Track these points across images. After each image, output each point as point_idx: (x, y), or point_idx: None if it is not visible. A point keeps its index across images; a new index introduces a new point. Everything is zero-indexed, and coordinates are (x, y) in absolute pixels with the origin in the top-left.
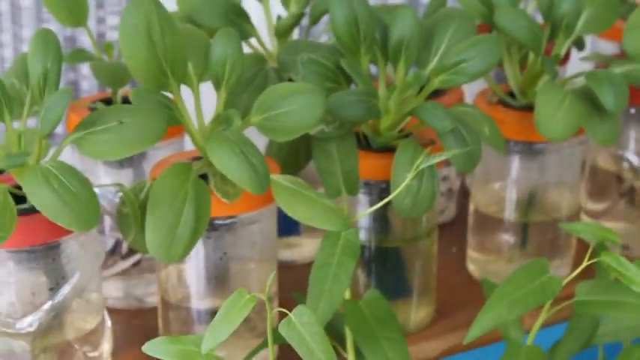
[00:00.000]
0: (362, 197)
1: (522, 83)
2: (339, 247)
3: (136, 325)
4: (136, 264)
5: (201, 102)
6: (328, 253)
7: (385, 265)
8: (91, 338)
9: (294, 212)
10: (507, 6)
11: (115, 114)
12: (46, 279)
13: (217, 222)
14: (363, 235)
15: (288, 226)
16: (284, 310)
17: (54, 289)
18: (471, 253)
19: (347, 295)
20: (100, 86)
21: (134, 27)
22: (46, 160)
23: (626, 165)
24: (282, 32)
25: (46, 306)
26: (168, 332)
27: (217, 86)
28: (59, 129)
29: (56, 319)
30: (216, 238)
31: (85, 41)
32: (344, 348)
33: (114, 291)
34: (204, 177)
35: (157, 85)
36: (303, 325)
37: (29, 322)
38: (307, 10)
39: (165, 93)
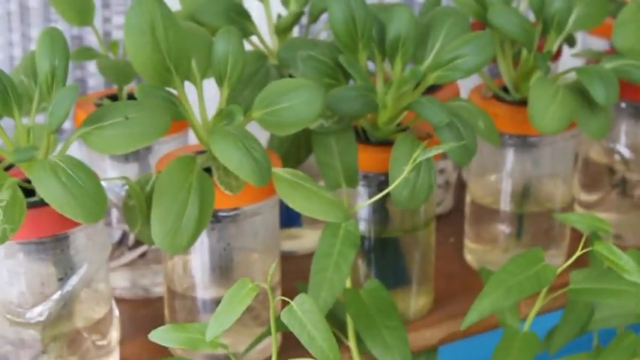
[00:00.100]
0: (361, 189)
1: (516, 79)
2: (339, 238)
3: (142, 314)
4: (143, 255)
5: (205, 98)
6: (329, 244)
7: (384, 255)
8: (100, 327)
9: (296, 204)
10: (500, 4)
11: (120, 109)
12: (55, 270)
13: (221, 214)
14: (362, 226)
15: (290, 218)
16: (286, 298)
17: (63, 280)
18: (468, 244)
19: (348, 284)
20: (106, 83)
21: (139, 26)
22: (54, 155)
23: (617, 157)
24: (282, 30)
25: (56, 296)
26: (175, 321)
27: (220, 82)
28: (67, 124)
29: (65, 308)
30: (220, 230)
31: (92, 40)
32: (345, 336)
33: (121, 281)
34: (208, 170)
35: (162, 81)
36: (304, 313)
37: (39, 312)
38: (307, 8)
39: (169, 89)
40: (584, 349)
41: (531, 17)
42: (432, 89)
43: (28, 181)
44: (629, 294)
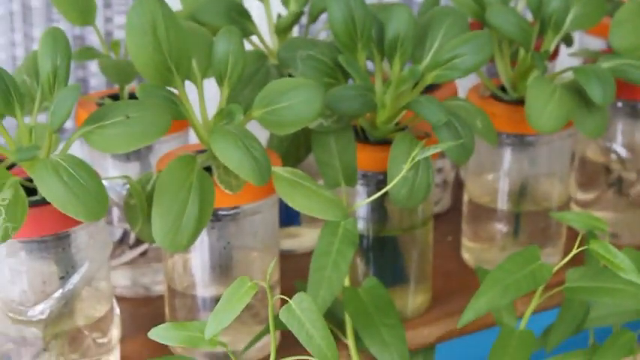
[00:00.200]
0: (360, 188)
1: (513, 78)
2: (338, 237)
3: (143, 312)
4: (144, 253)
5: (205, 97)
6: (328, 242)
7: (383, 253)
8: (101, 325)
9: (295, 203)
10: (498, 4)
11: (122, 109)
12: (56, 268)
13: (221, 212)
14: (361, 225)
15: (289, 217)
16: (285, 297)
17: (64, 278)
18: (466, 242)
19: (346, 282)
20: (107, 83)
21: (140, 25)
22: (56, 154)
23: (614, 156)
24: (282, 30)
25: (57, 294)
26: (175, 319)
27: (220, 82)
28: (68, 124)
29: (66, 306)
30: (220, 228)
31: (94, 40)
32: (344, 334)
33: (122, 280)
34: (208, 169)
35: (163, 81)
36: (302, 312)
37: (41, 310)
38: (306, 8)
39: (170, 89)
40: (580, 347)
41: (529, 17)
42: (430, 88)
43: (30, 180)
44: (625, 292)
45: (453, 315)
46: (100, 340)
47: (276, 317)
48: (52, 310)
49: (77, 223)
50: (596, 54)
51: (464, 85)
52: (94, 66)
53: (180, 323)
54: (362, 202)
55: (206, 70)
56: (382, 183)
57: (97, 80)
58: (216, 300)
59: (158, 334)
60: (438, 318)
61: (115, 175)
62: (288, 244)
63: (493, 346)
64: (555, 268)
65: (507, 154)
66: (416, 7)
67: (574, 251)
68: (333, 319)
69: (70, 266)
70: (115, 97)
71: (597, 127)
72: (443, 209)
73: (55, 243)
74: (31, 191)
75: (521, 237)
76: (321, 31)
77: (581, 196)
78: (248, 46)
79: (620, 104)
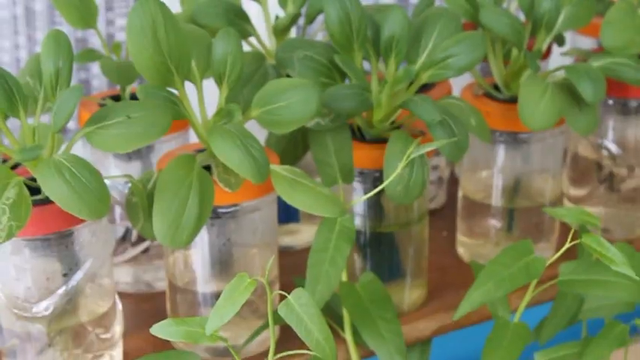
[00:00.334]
0: (357, 185)
1: (506, 77)
2: (335, 233)
3: (145, 308)
4: (145, 251)
5: (204, 97)
6: (325, 239)
7: (379, 249)
8: (104, 321)
9: (293, 200)
10: (491, 4)
11: (123, 109)
12: (60, 265)
13: (220, 210)
14: (358, 221)
15: (288, 214)
16: (284, 292)
17: (68, 275)
18: (461, 238)
19: (343, 277)
20: (109, 84)
21: (140, 27)
22: (59, 154)
23: (605, 153)
24: (279, 31)
25: (61, 291)
26: (176, 315)
27: (219, 82)
28: (71, 124)
29: (70, 303)
30: (220, 226)
31: (96, 42)
32: (341, 328)
33: (124, 276)
34: (207, 168)
35: (163, 81)
36: (301, 307)
37: (45, 306)
38: (304, 10)
39: (170, 89)
40: (572, 339)
41: (521, 17)
42: (425, 88)
43: (34, 180)
44: (617, 285)
45: (449, 309)
46: (103, 336)
47: (275, 312)
48: (56, 307)
49: (80, 221)
50: (587, 53)
51: (458, 84)
52: (95, 68)
53: (181, 319)
54: (359, 199)
55: (205, 71)
56: (378, 180)
57: (98, 81)
58: (216, 296)
59: (160, 329)
60: (434, 312)
61: (116, 174)
62: (287, 240)
63: (488, 339)
64: (549, 262)
65: (501, 152)
66: (411, 9)
67: (567, 245)
68: (332, 314)
69: (73, 263)
70: (116, 98)
71: (588, 124)
72: (438, 205)
73: (59, 241)
74: (34, 190)
75: (515, 232)
76: (318, 32)
77: (574, 191)
78: (247, 47)
79: (610, 102)
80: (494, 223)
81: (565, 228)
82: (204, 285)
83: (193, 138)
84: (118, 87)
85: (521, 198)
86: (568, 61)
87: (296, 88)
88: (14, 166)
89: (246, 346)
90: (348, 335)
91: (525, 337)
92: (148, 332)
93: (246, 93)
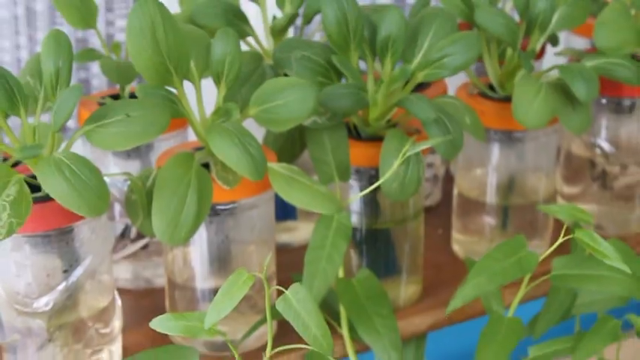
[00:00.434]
0: (353, 183)
1: (501, 76)
2: (332, 230)
3: (144, 304)
4: (144, 247)
5: (203, 96)
6: (322, 236)
7: (375, 246)
8: (103, 316)
9: (290, 197)
10: (486, 5)
11: (122, 108)
12: (60, 262)
13: (219, 207)
14: (354, 219)
15: (285, 211)
16: (282, 288)
17: (68, 271)
18: (456, 235)
19: (340, 274)
20: (109, 83)
21: (140, 28)
22: (59, 152)
23: (598, 151)
24: (277, 31)
25: (61, 287)
26: (175, 310)
27: (217, 82)
28: (71, 123)
29: (70, 298)
30: (218, 223)
31: (95, 42)
32: (338, 323)
33: (124, 273)
34: (206, 166)
35: (162, 81)
36: (298, 302)
37: (45, 302)
38: (301, 10)
39: (169, 88)
40: (566, 334)
41: (516, 17)
42: (420, 87)
43: (34, 177)
44: (610, 279)
45: (444, 305)
46: (103, 331)
47: (272, 307)
48: (56, 302)
49: (80, 218)
50: (580, 53)
51: (453, 84)
52: (95, 67)
53: (180, 313)
54: (355, 196)
55: (204, 71)
56: (374, 178)
57: (98, 81)
58: (214, 292)
59: (159, 324)
60: (429, 308)
61: (116, 171)
62: (285, 237)
63: (482, 333)
64: (542, 257)
65: (495, 150)
66: (407, 9)
67: (560, 240)
68: (328, 309)
69: (73, 260)
70: (115, 97)
71: (582, 122)
72: (433, 203)
73: (59, 237)
74: (35, 188)
75: (509, 229)
76: (316, 33)
77: (567, 189)
78: (245, 47)
79: (604, 100)
80: (489, 220)
81: (559, 225)
82: (202, 281)
83: (192, 136)
84: (118, 86)
85: (515, 196)
86: (562, 61)
87: (293, 87)
88: (15, 164)
89: (244, 340)
90: (344, 330)
91: (519, 332)
92: (147, 327)
93: (244, 92)
